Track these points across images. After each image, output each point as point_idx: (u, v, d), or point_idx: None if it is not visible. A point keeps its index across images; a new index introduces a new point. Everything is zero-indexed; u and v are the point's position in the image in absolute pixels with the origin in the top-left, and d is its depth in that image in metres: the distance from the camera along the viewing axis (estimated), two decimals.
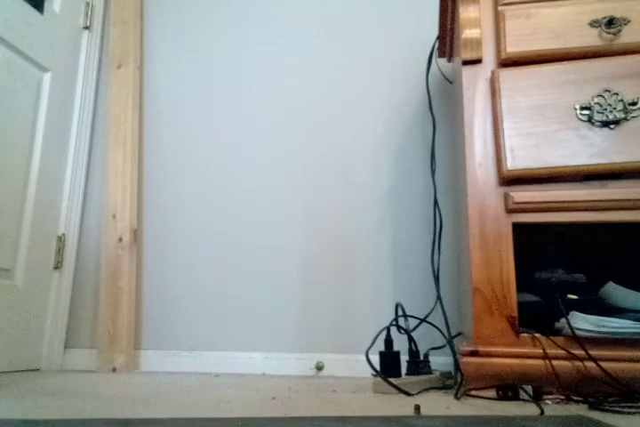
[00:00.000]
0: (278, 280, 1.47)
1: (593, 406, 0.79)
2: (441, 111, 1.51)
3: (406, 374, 1.07)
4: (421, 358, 1.10)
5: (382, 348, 1.07)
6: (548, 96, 0.99)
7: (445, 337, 1.20)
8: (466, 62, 1.06)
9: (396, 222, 1.45)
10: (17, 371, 1.38)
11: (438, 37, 1.37)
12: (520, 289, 0.96)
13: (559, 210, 0.95)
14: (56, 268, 1.53)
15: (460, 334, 1.24)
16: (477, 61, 1.06)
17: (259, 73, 1.65)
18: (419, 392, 0.98)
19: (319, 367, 1.36)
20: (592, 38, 1.00)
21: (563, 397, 0.87)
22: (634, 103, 0.95)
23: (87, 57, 1.71)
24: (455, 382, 1.05)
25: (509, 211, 0.97)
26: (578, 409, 0.79)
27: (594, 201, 0.94)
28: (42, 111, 1.53)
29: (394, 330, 1.08)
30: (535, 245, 1.12)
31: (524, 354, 0.90)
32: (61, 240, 1.55)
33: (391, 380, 0.97)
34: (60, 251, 1.54)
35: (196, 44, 1.72)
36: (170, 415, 0.72)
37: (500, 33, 1.04)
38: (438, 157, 1.47)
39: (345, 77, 1.59)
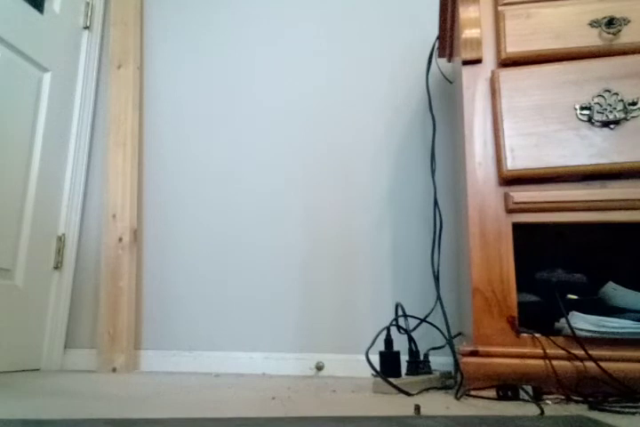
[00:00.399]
0: (278, 280, 1.47)
1: (593, 406, 0.79)
2: (441, 111, 1.51)
3: (406, 374, 1.07)
4: (421, 358, 1.10)
5: (382, 348, 1.07)
6: (548, 96, 0.99)
7: (445, 337, 1.20)
8: (466, 62, 1.06)
9: (396, 222, 1.45)
10: (17, 371, 1.38)
11: (438, 37, 1.37)
12: (520, 289, 0.96)
13: (559, 210, 0.95)
14: (56, 268, 1.53)
15: (460, 334, 1.24)
16: (477, 61, 1.06)
17: (259, 73, 1.65)
18: (419, 392, 0.98)
19: (319, 367, 1.36)
20: (592, 38, 1.00)
21: (563, 397, 0.87)
22: (634, 103, 0.95)
23: (87, 57, 1.71)
24: (455, 382, 1.05)
25: (509, 211, 0.97)
26: (578, 409, 0.79)
27: (594, 201, 0.94)
28: (42, 111, 1.53)
29: (394, 330, 1.08)
30: (535, 245, 1.12)
31: (523, 354, 0.90)
32: (61, 240, 1.55)
33: (391, 380, 0.97)
34: (60, 251, 1.54)
35: (196, 44, 1.72)
36: (170, 415, 0.72)
37: (500, 33, 1.04)
38: (438, 157, 1.47)
39: (345, 77, 1.59)
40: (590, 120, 0.96)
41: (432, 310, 1.35)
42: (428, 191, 1.46)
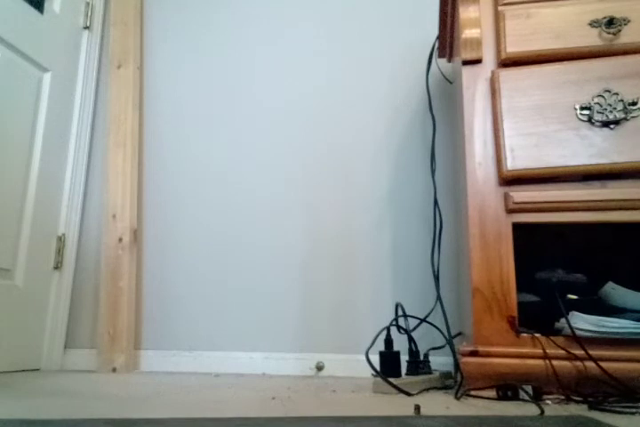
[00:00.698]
0: (278, 280, 1.47)
1: (593, 406, 0.79)
2: (441, 111, 1.51)
3: (406, 374, 1.07)
4: (421, 358, 1.10)
5: (382, 348, 1.07)
6: (548, 96, 0.99)
7: (445, 337, 1.20)
8: (466, 62, 1.06)
9: (396, 222, 1.45)
10: (17, 371, 1.38)
11: (438, 37, 1.37)
12: (520, 289, 0.96)
13: (559, 210, 0.95)
14: (56, 268, 1.53)
15: (460, 334, 1.24)
16: (477, 61, 1.06)
17: (259, 73, 1.65)
18: (419, 392, 0.98)
19: (319, 367, 1.36)
20: (592, 38, 1.00)
21: (563, 397, 0.87)
22: (634, 103, 0.95)
23: (87, 57, 1.71)
24: (455, 382, 1.05)
25: (509, 211, 0.97)
26: (578, 409, 0.79)
27: (594, 201, 0.94)
28: (42, 111, 1.53)
29: (394, 330, 1.08)
30: (535, 245, 1.12)
31: (523, 354, 0.90)
32: (61, 240, 1.55)
33: (391, 380, 0.97)
34: (60, 251, 1.55)
35: (196, 45, 1.72)
36: (170, 415, 0.72)
37: (500, 33, 1.04)
38: (438, 157, 1.47)
39: (345, 77, 1.59)
40: (590, 120, 0.96)
41: (432, 310, 1.35)
42: (428, 191, 1.46)
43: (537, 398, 0.86)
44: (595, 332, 0.89)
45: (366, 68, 1.59)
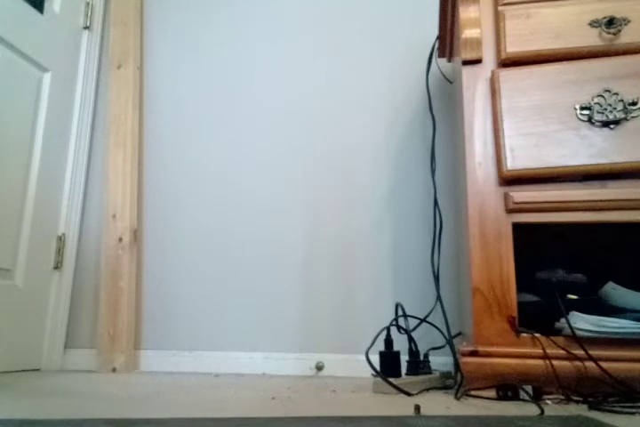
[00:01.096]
0: (278, 280, 1.47)
1: (593, 406, 0.79)
2: (441, 111, 1.51)
3: (406, 374, 1.07)
4: (421, 358, 1.10)
5: (382, 348, 1.07)
6: (548, 96, 0.99)
7: (445, 337, 1.20)
8: (466, 62, 1.06)
9: (396, 222, 1.45)
10: (17, 371, 1.38)
11: (438, 37, 1.37)
12: (520, 289, 0.96)
13: (559, 210, 0.95)
14: (56, 268, 1.53)
15: (460, 334, 1.24)
16: (477, 61, 1.06)
17: (259, 73, 1.65)
18: (419, 392, 0.98)
19: (319, 367, 1.36)
20: (592, 38, 1.00)
21: (563, 397, 0.87)
22: (634, 103, 0.95)
23: (87, 57, 1.71)
24: (455, 382, 1.05)
25: (509, 211, 0.97)
26: (578, 409, 0.79)
27: (594, 201, 0.94)
28: (42, 111, 1.53)
29: (394, 330, 1.08)
30: (535, 245, 1.12)
31: (523, 354, 0.90)
32: (61, 240, 1.55)
33: (391, 380, 0.97)
34: (60, 251, 1.54)
35: (196, 45, 1.72)
36: (170, 415, 0.72)
37: (500, 33, 1.04)
38: (438, 157, 1.47)
39: (345, 77, 1.59)
40: (590, 120, 0.96)
41: (432, 310, 1.35)
42: (428, 191, 1.46)
43: (537, 398, 0.86)
44: (595, 332, 0.89)
45: (366, 68, 1.59)
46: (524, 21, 1.04)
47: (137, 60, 1.68)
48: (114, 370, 1.39)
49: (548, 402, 0.85)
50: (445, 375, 1.09)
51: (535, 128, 0.98)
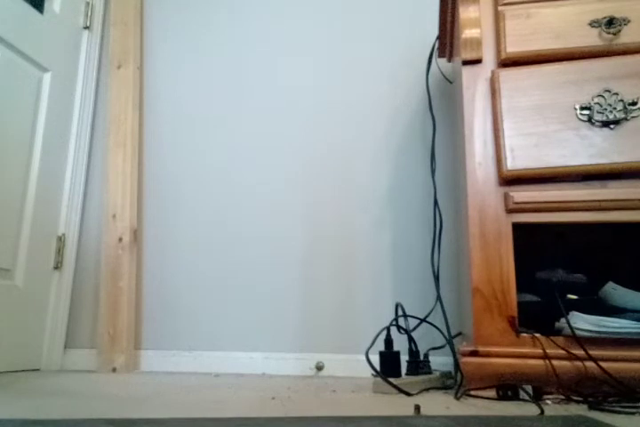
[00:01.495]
0: (278, 280, 1.47)
1: (593, 406, 0.79)
2: (441, 111, 1.51)
3: (406, 374, 1.07)
4: (421, 358, 1.10)
5: (382, 348, 1.07)
6: (548, 96, 0.99)
7: (445, 337, 1.20)
8: (466, 62, 1.06)
9: (396, 222, 1.45)
10: (17, 371, 1.38)
11: (438, 37, 1.37)
12: (520, 289, 0.96)
13: (559, 210, 0.95)
14: (56, 268, 1.53)
15: (460, 334, 1.24)
16: (477, 61, 1.06)
17: (258, 73, 1.65)
18: (419, 392, 0.98)
19: (319, 367, 1.36)
20: (592, 38, 1.00)
21: (563, 397, 0.87)
22: (634, 103, 0.95)
23: (87, 57, 1.71)
24: (455, 382, 1.05)
25: (509, 211, 0.97)
26: (578, 409, 0.79)
27: (594, 201, 0.94)
28: (42, 111, 1.53)
29: (394, 330, 1.08)
30: (535, 245, 1.12)
31: (523, 354, 0.90)
32: (61, 240, 1.55)
33: (391, 380, 0.97)
34: (60, 251, 1.54)
35: (196, 44, 1.72)
36: (170, 415, 0.72)
37: (500, 33, 1.04)
38: (438, 157, 1.47)
39: (345, 77, 1.59)
40: (590, 120, 0.96)
41: (432, 309, 1.35)
42: (428, 191, 1.46)
43: (537, 398, 0.86)
44: (595, 332, 0.89)
45: (366, 68, 1.59)
46: (523, 21, 1.04)
47: (137, 60, 1.68)
48: (114, 370, 1.39)
49: (548, 402, 0.85)
50: (445, 375, 1.09)
51: (535, 128, 0.98)
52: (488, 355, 0.91)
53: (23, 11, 1.47)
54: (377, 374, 1.00)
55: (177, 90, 1.69)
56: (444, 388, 1.04)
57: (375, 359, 1.04)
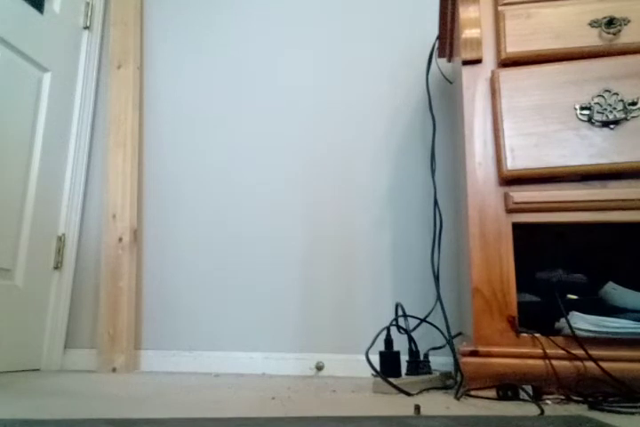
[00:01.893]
0: (278, 280, 1.47)
1: (593, 406, 0.79)
2: (441, 111, 1.51)
3: (406, 374, 1.07)
4: (421, 358, 1.10)
5: (382, 348, 1.07)
6: (548, 96, 0.99)
7: (445, 337, 1.20)
8: (466, 62, 1.06)
9: (396, 222, 1.45)
10: (17, 371, 1.38)
11: (438, 37, 1.37)
12: (520, 289, 0.96)
13: (559, 210, 0.95)
14: (56, 268, 1.53)
15: (460, 334, 1.24)
16: (477, 61, 1.06)
17: (258, 73, 1.65)
18: (419, 392, 0.98)
19: (319, 367, 1.36)
20: (592, 38, 1.00)
21: (563, 397, 0.87)
22: (634, 103, 0.95)
23: (87, 57, 1.71)
24: (455, 382, 1.05)
25: (509, 211, 0.97)
26: (578, 409, 0.79)
27: (594, 201, 0.94)
28: (42, 111, 1.53)
29: (394, 330, 1.08)
30: (535, 245, 1.12)
31: (523, 354, 0.90)
32: (61, 240, 1.55)
33: (391, 380, 0.97)
34: (60, 251, 1.54)
35: (197, 44, 1.72)
36: (170, 415, 0.72)
37: (500, 33, 1.04)
38: (438, 157, 1.47)
39: (345, 77, 1.59)
40: (590, 120, 0.96)
41: (432, 309, 1.35)
42: (428, 191, 1.46)
43: (537, 398, 0.86)
44: (595, 332, 0.89)
45: (366, 68, 1.59)
46: (524, 21, 1.04)
47: (137, 60, 1.68)
48: (114, 370, 1.39)
49: (548, 402, 0.85)
50: (445, 375, 1.09)
51: (535, 128, 0.98)
52: (488, 355, 0.91)
53: (23, 11, 1.47)
54: (377, 374, 1.00)
55: (177, 90, 1.69)
56: (444, 388, 1.04)
57: (375, 359, 1.04)
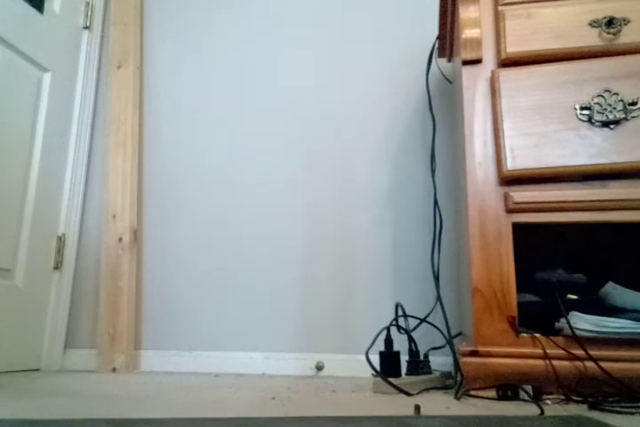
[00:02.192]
0: (278, 280, 1.47)
1: (593, 406, 0.79)
2: (441, 111, 1.51)
3: (406, 374, 1.07)
4: (421, 358, 1.10)
5: (382, 348, 1.07)
6: (548, 96, 0.99)
7: (445, 337, 1.20)
8: (466, 62, 1.06)
9: (396, 222, 1.45)
10: (17, 371, 1.38)
11: (438, 37, 1.37)
12: (520, 289, 0.96)
13: (559, 210, 0.95)
14: (56, 268, 1.53)
15: (460, 334, 1.24)
16: (477, 61, 1.06)
17: (258, 73, 1.65)
18: (419, 392, 0.98)
19: (319, 367, 1.36)
20: (592, 38, 1.00)
21: (563, 397, 0.87)
22: (634, 103, 0.95)
23: (87, 57, 1.71)
24: (455, 382, 1.05)
25: (509, 211, 0.97)
26: (578, 409, 0.79)
27: (594, 201, 0.94)
28: (42, 111, 1.52)
29: (394, 330, 1.08)
30: (535, 245, 1.12)
31: (524, 354, 0.90)
32: (61, 240, 1.55)
33: (391, 380, 0.97)
34: (60, 251, 1.54)
35: (197, 44, 1.72)
36: (170, 415, 0.72)
37: (500, 33, 1.04)
38: (438, 157, 1.47)
39: (345, 77, 1.59)
40: (590, 120, 0.96)
41: (432, 309, 1.35)
42: (428, 191, 1.46)
43: (537, 398, 0.86)
44: (595, 332, 0.89)
45: (366, 68, 1.59)
46: (524, 21, 1.04)
47: (137, 60, 1.68)
48: (114, 370, 1.39)
49: (548, 402, 0.85)
50: (445, 375, 1.09)
51: (535, 128, 0.98)
52: (488, 355, 0.91)
53: (23, 11, 1.47)
54: (377, 374, 1.00)
55: (177, 90, 1.69)
56: (444, 388, 1.04)
57: (375, 359, 1.04)
